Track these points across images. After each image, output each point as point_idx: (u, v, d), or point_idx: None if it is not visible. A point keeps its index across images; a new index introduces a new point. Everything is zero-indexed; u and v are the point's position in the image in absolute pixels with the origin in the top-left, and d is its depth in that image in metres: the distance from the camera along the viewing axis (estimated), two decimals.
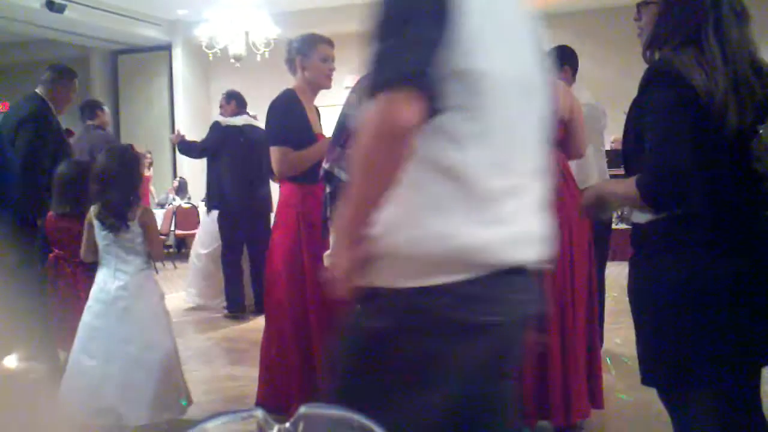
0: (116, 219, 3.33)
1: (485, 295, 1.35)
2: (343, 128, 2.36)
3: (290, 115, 3.50)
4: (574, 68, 4.63)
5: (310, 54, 3.52)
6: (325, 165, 2.40)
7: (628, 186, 2.02)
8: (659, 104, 1.96)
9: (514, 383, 1.51)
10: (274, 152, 3.46)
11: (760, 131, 1.90)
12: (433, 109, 1.25)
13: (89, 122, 6.03)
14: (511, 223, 1.37)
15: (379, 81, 1.27)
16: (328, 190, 2.38)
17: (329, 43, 3.60)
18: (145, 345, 3.30)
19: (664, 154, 1.93)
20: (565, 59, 4.60)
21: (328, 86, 3.62)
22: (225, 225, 6.03)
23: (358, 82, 2.39)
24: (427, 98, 1.24)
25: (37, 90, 4.45)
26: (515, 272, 1.38)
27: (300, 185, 3.49)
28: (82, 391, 3.23)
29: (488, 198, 1.34)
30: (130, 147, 3.66)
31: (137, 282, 3.37)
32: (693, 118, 1.90)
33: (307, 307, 3.44)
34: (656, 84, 1.98)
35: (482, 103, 1.32)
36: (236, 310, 6.10)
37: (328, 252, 2.50)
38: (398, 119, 1.23)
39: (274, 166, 3.48)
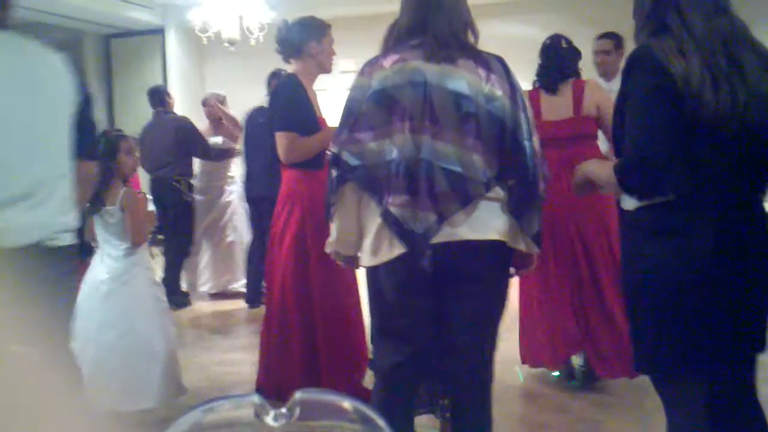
0: (90, 201, 3.33)
1: None
2: (351, 112, 2.33)
3: (296, 101, 3.52)
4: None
5: (322, 40, 3.57)
6: (332, 149, 2.37)
7: (610, 171, 2.04)
8: (637, 91, 1.98)
9: None
10: (281, 138, 3.47)
11: None
12: None
13: (159, 108, 6.37)
14: None
15: None
16: (334, 174, 2.35)
17: (328, 27, 3.64)
18: (124, 331, 3.29)
19: (640, 142, 1.95)
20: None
21: (330, 71, 3.67)
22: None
23: (369, 65, 2.37)
24: None
25: None
26: None
27: (305, 171, 3.51)
28: None
29: None
30: (109, 129, 3.63)
31: (123, 267, 3.37)
32: (671, 104, 1.90)
33: (311, 294, 3.46)
34: (635, 71, 2.00)
35: None
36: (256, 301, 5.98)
37: (330, 239, 2.49)
38: None
39: (282, 152, 3.49)
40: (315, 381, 3.38)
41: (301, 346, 3.50)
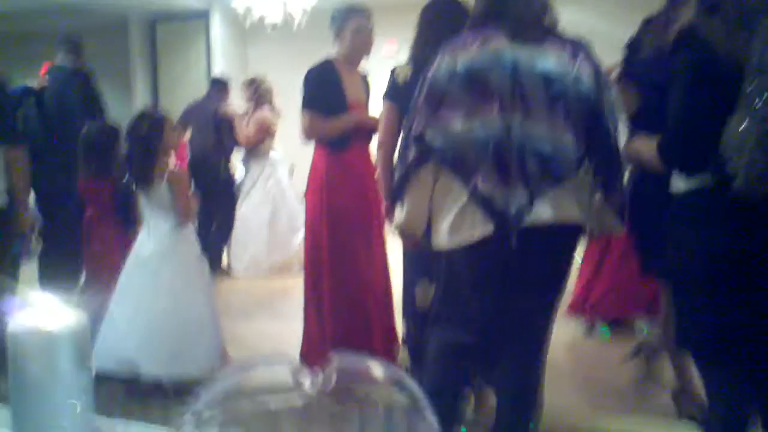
0: (137, 178, 3.40)
1: None
2: (434, 92, 2.30)
3: (321, 83, 3.58)
4: None
5: (343, 26, 3.61)
6: (413, 127, 2.34)
7: (653, 147, 2.04)
8: (681, 69, 1.97)
9: None
10: (302, 116, 3.57)
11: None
12: None
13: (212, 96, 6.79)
14: None
15: None
16: (413, 153, 2.33)
17: (365, 14, 3.65)
18: (172, 302, 3.41)
19: (681, 117, 1.94)
20: None
21: (365, 56, 3.70)
22: None
23: (451, 45, 2.33)
24: None
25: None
26: None
27: (327, 151, 3.56)
28: (109, 341, 3.35)
29: None
30: (154, 110, 3.76)
31: (169, 241, 3.50)
32: (715, 82, 1.88)
33: (351, 268, 3.54)
34: (682, 49, 1.98)
35: None
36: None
37: (399, 219, 2.46)
38: None
39: (302, 129, 3.59)
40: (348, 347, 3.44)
41: (335, 319, 3.57)
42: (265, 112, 6.59)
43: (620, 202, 2.34)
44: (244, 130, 6.58)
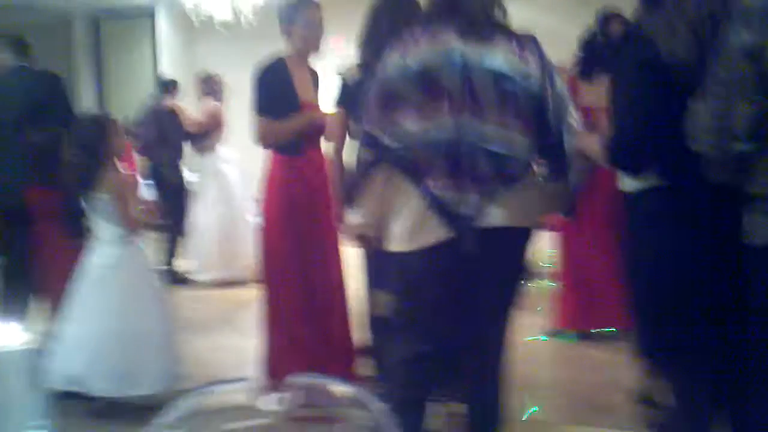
0: (81, 186, 3.29)
1: None
2: (387, 91, 2.27)
3: (272, 83, 3.44)
4: None
5: (294, 19, 3.45)
6: (368, 129, 2.31)
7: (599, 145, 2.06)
8: (625, 69, 1.99)
9: None
10: (255, 122, 3.44)
11: (691, 107, 1.86)
12: None
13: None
14: None
15: None
16: (368, 155, 2.30)
17: (315, 5, 3.50)
18: (119, 317, 3.27)
19: (624, 117, 1.96)
20: None
21: (316, 50, 3.55)
22: None
23: (400, 43, 2.30)
24: None
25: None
26: None
27: (282, 156, 3.48)
28: (59, 359, 3.23)
29: None
30: (91, 114, 3.59)
31: (117, 252, 3.35)
32: (658, 81, 1.90)
33: (308, 277, 3.45)
34: (624, 48, 2.01)
35: None
36: None
37: (358, 221, 2.43)
38: None
39: (256, 136, 3.46)
40: (306, 369, 3.37)
41: (300, 329, 3.49)
42: (215, 103, 6.58)
43: (567, 193, 2.36)
44: (192, 117, 6.55)
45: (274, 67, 3.49)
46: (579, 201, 3.92)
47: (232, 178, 6.69)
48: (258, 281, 3.66)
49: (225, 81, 6.76)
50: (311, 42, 3.50)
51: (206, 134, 6.60)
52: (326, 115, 3.47)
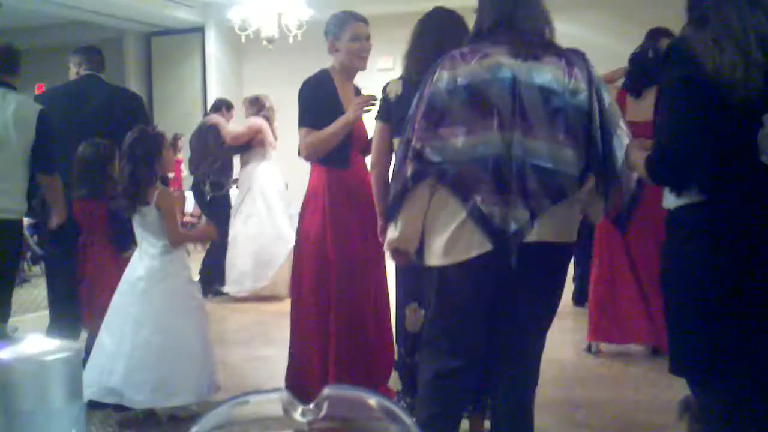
0: (130, 199, 3.32)
1: None
2: (434, 107, 2.28)
3: (317, 96, 3.40)
4: None
5: (340, 34, 3.41)
6: (414, 144, 2.30)
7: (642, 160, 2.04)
8: (669, 84, 1.97)
9: None
10: (300, 134, 3.42)
11: (764, 121, 1.86)
12: None
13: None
14: None
15: None
16: (411, 169, 2.29)
17: (362, 20, 3.46)
18: (158, 329, 3.30)
19: (667, 134, 1.94)
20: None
21: (362, 67, 3.50)
22: None
23: (449, 59, 2.31)
24: None
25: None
26: None
27: (327, 169, 3.44)
28: (96, 369, 3.27)
29: None
30: (144, 128, 3.58)
31: (160, 265, 3.38)
32: (701, 97, 1.88)
33: (330, 295, 3.40)
34: (669, 63, 1.98)
35: None
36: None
37: (392, 236, 2.42)
38: None
39: (300, 148, 3.45)
40: (344, 381, 3.34)
41: (323, 347, 3.45)
42: (259, 119, 6.60)
43: (615, 203, 2.38)
44: (232, 129, 6.61)
45: (320, 79, 3.46)
46: (631, 214, 3.96)
47: (273, 194, 6.65)
48: (294, 293, 3.64)
49: (271, 98, 6.77)
50: (357, 58, 3.45)
51: (245, 147, 6.63)
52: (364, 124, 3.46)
